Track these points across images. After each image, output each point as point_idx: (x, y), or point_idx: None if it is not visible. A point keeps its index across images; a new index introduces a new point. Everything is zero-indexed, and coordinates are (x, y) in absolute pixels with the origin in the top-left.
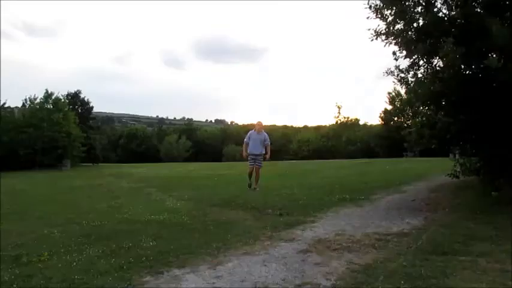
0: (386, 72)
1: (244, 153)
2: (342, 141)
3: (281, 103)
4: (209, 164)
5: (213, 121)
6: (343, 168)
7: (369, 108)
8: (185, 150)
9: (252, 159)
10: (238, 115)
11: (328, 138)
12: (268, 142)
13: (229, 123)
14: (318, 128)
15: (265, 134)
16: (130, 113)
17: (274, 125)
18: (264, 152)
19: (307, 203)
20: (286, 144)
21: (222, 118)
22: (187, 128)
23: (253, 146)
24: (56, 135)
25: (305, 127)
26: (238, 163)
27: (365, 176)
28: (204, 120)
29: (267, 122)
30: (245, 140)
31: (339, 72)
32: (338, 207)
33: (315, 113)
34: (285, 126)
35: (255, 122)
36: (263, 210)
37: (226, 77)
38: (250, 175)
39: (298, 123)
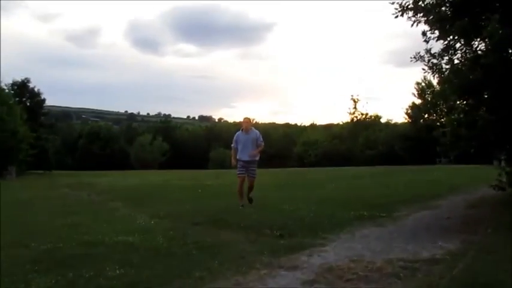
0: (415, 58)
1: (232, 161)
2: (358, 143)
3: (282, 96)
4: (191, 172)
5: (197, 118)
6: (359, 178)
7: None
8: (161, 154)
9: (242, 166)
10: (228, 111)
11: (341, 140)
12: (261, 141)
13: (216, 120)
14: (328, 127)
15: (256, 131)
16: (92, 107)
17: (273, 123)
18: (257, 158)
19: (315, 222)
20: (288, 147)
21: (208, 114)
22: (164, 127)
23: (243, 150)
24: None
25: (312, 126)
26: (228, 171)
27: (387, 187)
28: (185, 116)
29: (264, 119)
30: (232, 144)
31: (353, 58)
32: (353, 226)
33: (324, 109)
34: (287, 125)
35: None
36: (259, 230)
37: (213, 63)
38: (241, 192)
39: (304, 120)
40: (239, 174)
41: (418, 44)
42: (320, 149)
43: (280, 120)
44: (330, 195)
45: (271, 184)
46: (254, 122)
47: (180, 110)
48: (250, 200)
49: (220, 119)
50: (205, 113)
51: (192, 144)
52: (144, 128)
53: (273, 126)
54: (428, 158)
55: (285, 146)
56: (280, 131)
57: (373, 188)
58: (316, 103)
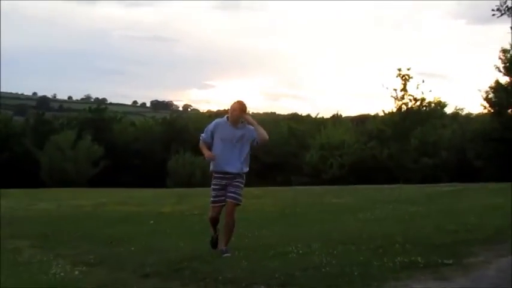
0: (500, 10)
1: (206, 152)
2: (409, 147)
3: (287, 72)
4: (140, 191)
5: (148, 105)
6: (410, 203)
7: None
8: (91, 163)
9: (219, 185)
10: (200, 94)
11: (382, 142)
12: (258, 139)
13: (180, 108)
14: (360, 121)
15: (250, 128)
16: None
17: (273, 114)
18: (246, 170)
19: (338, 273)
20: (296, 152)
21: (166, 99)
22: (96, 119)
23: (225, 154)
24: None
25: (335, 119)
26: (197, 190)
27: (454, 217)
28: (129, 102)
29: (257, 107)
30: (202, 135)
31: (400, 9)
32: (400, 281)
33: (353, 92)
34: (295, 117)
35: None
36: (249, 286)
37: (174, 18)
38: (214, 220)
39: (322, 110)
40: (215, 200)
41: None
42: (347, 156)
43: (283, 109)
44: (363, 230)
45: (269, 212)
46: (250, 113)
47: (122, 92)
48: (224, 251)
49: (186, 107)
50: (161, 97)
51: (140, 148)
52: (64, 120)
53: (272, 119)
54: None
55: (290, 150)
56: (284, 127)
57: (432, 219)
58: (341, 83)
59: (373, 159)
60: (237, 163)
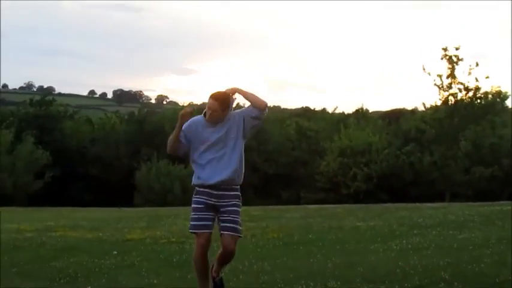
0: None
1: (171, 145)
2: (458, 150)
3: (294, 51)
4: (98, 211)
5: (110, 96)
6: (459, 227)
7: None
8: (34, 172)
9: (204, 203)
10: (179, 81)
11: (422, 145)
12: (255, 111)
13: (152, 101)
14: (392, 118)
15: (234, 113)
16: None
17: (276, 108)
18: (239, 181)
19: None
20: (308, 159)
21: (134, 89)
22: (39, 114)
23: (211, 162)
24: None
25: (359, 115)
26: (175, 210)
27: None
28: (84, 93)
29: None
30: (173, 134)
31: None
32: None
33: (382, 78)
34: (306, 112)
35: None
36: None
37: None
38: (202, 264)
39: (341, 104)
40: (197, 225)
41: None
42: (376, 165)
43: (291, 102)
44: (396, 263)
45: (271, 239)
46: (235, 99)
47: (74, 79)
48: (217, 284)
49: (161, 99)
50: (127, 86)
51: (99, 153)
52: None
53: (276, 115)
54: None
55: (300, 157)
56: (291, 126)
57: (490, 249)
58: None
59: (411, 169)
60: (229, 169)
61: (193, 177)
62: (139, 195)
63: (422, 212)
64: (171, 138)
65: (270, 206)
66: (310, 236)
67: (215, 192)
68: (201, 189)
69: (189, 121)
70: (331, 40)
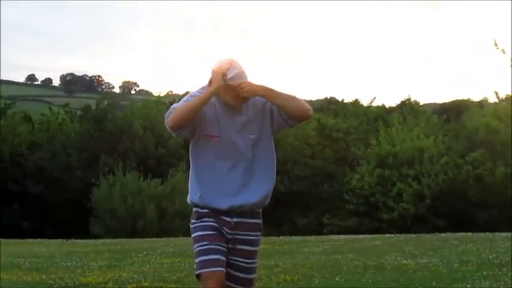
0: None
1: (187, 112)
2: None
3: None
4: (40, 243)
5: (56, 83)
6: None
7: None
8: None
9: (216, 229)
10: (159, 64)
11: (492, 150)
12: (290, 118)
13: (116, 89)
14: (451, 113)
15: (264, 102)
16: None
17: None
18: (266, 202)
19: None
20: (333, 171)
21: (91, 73)
22: None
23: (223, 173)
24: None
25: (406, 107)
26: (148, 242)
27: None
28: (21, 79)
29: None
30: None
31: None
32: None
33: (434, 67)
34: (329, 105)
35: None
36: None
37: None
38: None
39: (379, 95)
40: (207, 260)
41: None
42: (430, 179)
43: (307, 90)
44: None
45: (282, 284)
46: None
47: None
48: None
49: (127, 87)
50: (80, 69)
51: (42, 162)
52: None
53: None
54: None
55: (322, 167)
56: (310, 125)
57: None
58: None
59: (478, 185)
60: (256, 185)
61: (191, 190)
62: (98, 222)
63: (495, 244)
64: (191, 103)
65: (281, 237)
66: (337, 279)
67: (228, 219)
68: (206, 211)
69: (192, 92)
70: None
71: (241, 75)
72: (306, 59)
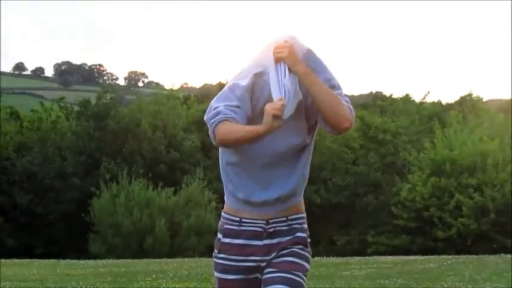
0: None
1: (242, 137)
2: None
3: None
4: (29, 264)
5: (49, 73)
6: None
7: None
8: None
9: (242, 268)
10: (170, 54)
11: None
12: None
13: (120, 81)
14: None
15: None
16: None
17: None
18: (301, 203)
19: None
20: (378, 181)
21: (90, 62)
22: None
23: (266, 162)
24: None
25: (465, 104)
26: (158, 263)
27: None
28: (7, 69)
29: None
30: (220, 114)
31: None
32: None
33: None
34: (377, 99)
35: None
36: None
37: None
38: None
39: (433, 89)
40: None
41: None
42: (497, 191)
43: (347, 82)
44: None
45: None
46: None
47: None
48: None
49: (133, 78)
50: (78, 58)
51: (31, 169)
52: None
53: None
54: None
55: (365, 175)
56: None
57: None
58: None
59: None
60: (293, 178)
61: (226, 198)
62: (98, 240)
63: None
64: (246, 136)
65: (317, 258)
66: None
67: (258, 229)
68: (232, 228)
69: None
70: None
71: (309, 57)
72: (347, 47)
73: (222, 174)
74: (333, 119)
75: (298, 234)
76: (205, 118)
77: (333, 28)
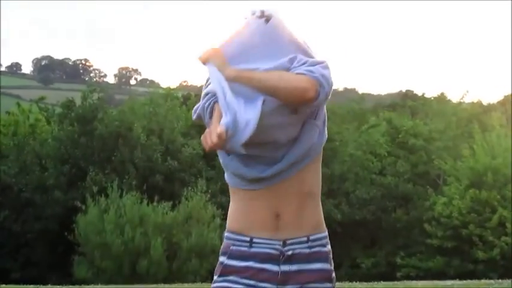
0: None
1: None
2: None
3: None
4: None
5: (27, 69)
6: None
7: None
8: None
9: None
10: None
11: None
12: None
13: (109, 79)
14: None
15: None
16: None
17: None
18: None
19: None
20: (408, 192)
21: (75, 57)
22: None
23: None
24: None
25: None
26: None
27: None
28: None
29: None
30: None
31: None
32: None
33: None
34: (407, 98)
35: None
36: None
37: None
38: None
39: (472, 87)
40: None
41: None
42: None
43: (371, 82)
44: None
45: None
46: None
47: None
48: None
49: (124, 76)
50: (60, 52)
51: (7, 181)
52: None
53: (341, 106)
54: None
55: (393, 188)
56: (376, 130)
57: None
58: None
59: None
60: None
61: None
62: (84, 262)
63: None
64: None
65: (337, 284)
66: None
67: (273, 251)
68: (240, 249)
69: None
70: None
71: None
72: (373, 41)
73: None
74: (293, 98)
75: (322, 265)
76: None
77: (358, 21)
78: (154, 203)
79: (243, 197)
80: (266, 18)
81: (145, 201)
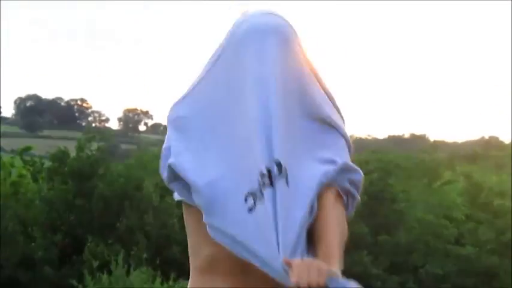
0: None
1: None
2: None
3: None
4: None
5: (8, 113)
6: None
7: None
8: None
9: None
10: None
11: None
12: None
13: (112, 124)
14: None
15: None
16: None
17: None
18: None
19: None
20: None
21: (69, 97)
22: None
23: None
24: None
25: None
26: None
27: None
28: None
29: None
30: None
31: None
32: None
33: None
34: (489, 147)
35: None
36: None
37: None
38: None
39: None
40: None
41: None
42: None
43: (441, 128)
44: None
45: None
46: None
47: None
48: None
49: (131, 120)
50: (49, 91)
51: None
52: None
53: (407, 159)
54: None
55: (474, 260)
56: (453, 188)
57: None
58: None
59: None
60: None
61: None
62: None
63: None
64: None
65: None
66: None
67: None
68: None
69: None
70: None
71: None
72: (448, 79)
73: None
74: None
75: None
76: None
77: (432, 56)
78: (170, 282)
79: None
80: None
81: (158, 279)
